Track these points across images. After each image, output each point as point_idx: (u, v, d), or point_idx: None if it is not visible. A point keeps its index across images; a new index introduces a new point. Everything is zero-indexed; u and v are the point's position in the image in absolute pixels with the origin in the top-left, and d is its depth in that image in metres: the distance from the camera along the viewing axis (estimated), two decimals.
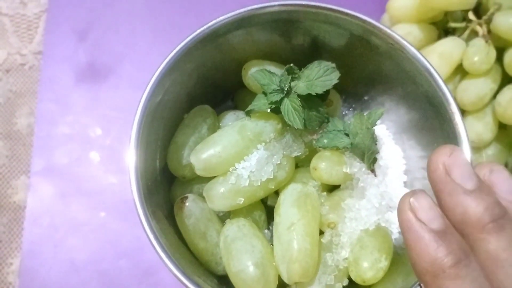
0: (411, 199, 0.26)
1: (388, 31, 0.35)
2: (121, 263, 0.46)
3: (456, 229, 0.25)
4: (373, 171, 0.37)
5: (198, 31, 0.36)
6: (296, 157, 0.37)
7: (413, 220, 0.25)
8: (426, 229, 0.25)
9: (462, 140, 0.33)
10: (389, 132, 0.42)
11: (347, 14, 0.36)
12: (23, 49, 0.55)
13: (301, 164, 0.39)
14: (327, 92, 0.36)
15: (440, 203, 0.26)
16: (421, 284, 0.26)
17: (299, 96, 0.35)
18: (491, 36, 0.44)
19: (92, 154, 0.50)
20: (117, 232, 0.48)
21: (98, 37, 0.55)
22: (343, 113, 0.45)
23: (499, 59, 0.44)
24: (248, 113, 0.38)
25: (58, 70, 0.53)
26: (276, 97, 0.35)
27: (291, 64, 0.36)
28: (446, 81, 0.42)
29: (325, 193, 0.37)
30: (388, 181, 0.38)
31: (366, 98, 0.44)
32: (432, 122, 0.36)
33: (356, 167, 0.36)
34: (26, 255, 0.47)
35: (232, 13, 0.36)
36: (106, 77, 0.53)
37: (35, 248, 0.47)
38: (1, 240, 0.48)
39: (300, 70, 0.36)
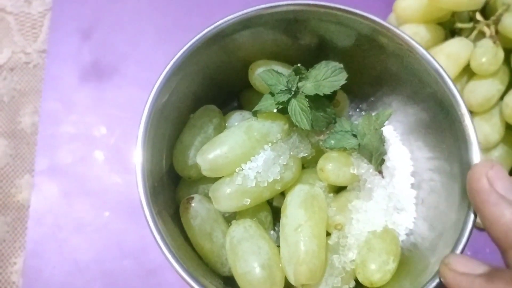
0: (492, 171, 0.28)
1: (397, 31, 0.35)
2: (125, 263, 0.46)
3: (500, 240, 0.27)
4: (380, 172, 0.37)
5: (205, 31, 0.36)
6: (302, 158, 0.37)
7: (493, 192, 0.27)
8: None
9: (471, 142, 0.32)
10: (397, 133, 0.42)
11: (355, 13, 0.36)
12: (28, 47, 0.55)
13: (307, 165, 0.39)
14: (334, 93, 0.36)
15: (483, 213, 0.28)
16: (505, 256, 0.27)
17: (306, 96, 0.35)
18: (499, 37, 0.43)
19: (97, 153, 0.50)
20: (121, 232, 0.47)
21: (102, 36, 0.55)
22: (350, 114, 0.44)
23: (507, 60, 0.44)
24: (255, 114, 0.37)
25: (62, 69, 0.53)
26: (284, 98, 0.35)
27: (299, 64, 0.36)
28: None
29: (331, 194, 0.37)
30: (396, 183, 0.38)
31: (373, 98, 0.43)
32: (440, 123, 0.36)
33: (364, 168, 0.36)
34: (30, 255, 0.47)
35: (239, 13, 0.36)
36: (110, 76, 0.53)
37: (38, 247, 0.47)
38: (5, 239, 0.48)
39: (307, 70, 0.36)
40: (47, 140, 0.51)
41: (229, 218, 0.38)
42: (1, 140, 0.51)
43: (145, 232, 0.44)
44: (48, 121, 0.51)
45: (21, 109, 0.53)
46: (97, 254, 0.47)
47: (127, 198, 0.49)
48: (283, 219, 0.35)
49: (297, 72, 0.35)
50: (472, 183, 0.29)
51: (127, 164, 0.50)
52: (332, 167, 0.35)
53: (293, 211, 0.34)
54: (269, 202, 0.39)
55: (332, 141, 0.36)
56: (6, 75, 0.54)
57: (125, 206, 0.48)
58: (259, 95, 0.38)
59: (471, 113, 0.44)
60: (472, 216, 0.31)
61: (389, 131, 0.42)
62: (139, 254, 0.47)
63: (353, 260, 0.35)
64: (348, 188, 0.38)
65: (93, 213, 0.48)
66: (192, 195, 0.37)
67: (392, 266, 0.34)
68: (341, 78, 0.35)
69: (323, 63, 0.36)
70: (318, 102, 0.36)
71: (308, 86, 0.35)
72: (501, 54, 0.43)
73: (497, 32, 0.44)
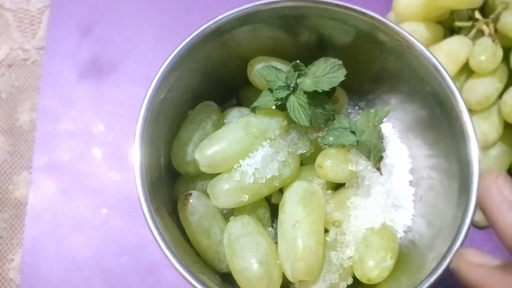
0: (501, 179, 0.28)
1: (396, 27, 0.35)
2: (123, 261, 0.46)
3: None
4: (378, 169, 0.37)
5: (204, 26, 0.36)
6: (301, 154, 0.37)
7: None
8: None
9: (469, 138, 0.32)
10: (395, 130, 0.42)
11: (354, 10, 0.36)
12: (26, 44, 0.55)
13: (306, 161, 0.39)
14: (333, 89, 0.36)
15: (495, 219, 0.28)
16: None
17: (305, 93, 0.35)
18: (498, 35, 0.43)
19: (95, 151, 0.50)
20: (119, 229, 0.47)
21: (101, 33, 0.55)
22: (348, 111, 0.44)
23: (506, 58, 0.44)
24: (253, 110, 0.37)
25: (61, 66, 0.53)
26: (282, 94, 0.35)
27: (297, 61, 0.36)
28: None
29: (330, 191, 0.37)
30: (394, 180, 0.38)
31: (371, 96, 0.43)
32: (439, 120, 0.36)
33: (362, 165, 0.36)
34: (27, 252, 0.46)
35: (238, 9, 0.36)
36: (109, 74, 0.53)
37: (36, 244, 0.47)
38: (2, 236, 0.48)
39: (306, 67, 0.36)
40: (45, 137, 0.50)
41: (227, 214, 0.38)
42: None
43: (144, 229, 0.43)
44: (46, 118, 0.51)
45: (19, 106, 0.52)
46: (95, 251, 0.47)
47: (125, 196, 0.48)
48: (281, 216, 0.35)
49: (296, 68, 0.35)
50: (484, 190, 0.29)
51: (125, 162, 0.50)
52: (331, 163, 0.35)
53: (291, 207, 0.34)
54: (267, 199, 0.39)
55: (331, 138, 0.36)
56: (4, 72, 0.53)
57: (123, 204, 0.48)
58: (258, 91, 0.38)
59: (470, 111, 0.44)
60: (470, 214, 0.31)
61: (387, 128, 0.42)
62: (138, 251, 0.47)
63: (351, 257, 0.35)
64: (346, 185, 0.38)
65: (91, 211, 0.48)
66: (190, 192, 0.37)
67: (390, 262, 0.34)
68: (340, 74, 0.35)
69: (322, 59, 0.36)
70: (317, 98, 0.36)
71: (307, 83, 0.35)
72: (500, 53, 0.43)
73: (496, 30, 0.44)
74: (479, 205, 0.30)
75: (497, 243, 0.46)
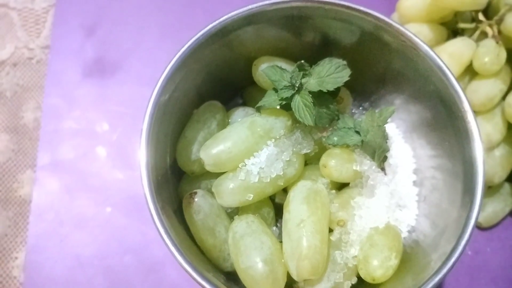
0: None
1: (401, 28, 0.35)
2: (126, 259, 0.46)
3: None
4: (383, 169, 0.37)
5: (209, 27, 0.36)
6: (305, 154, 0.37)
7: None
8: None
9: (474, 139, 0.33)
10: (399, 130, 0.42)
11: (358, 10, 0.36)
12: (31, 43, 0.55)
13: (310, 161, 0.39)
14: (337, 89, 0.36)
15: None
16: None
17: (310, 92, 0.35)
18: (502, 37, 0.44)
19: (99, 149, 0.50)
20: (123, 228, 0.47)
21: (105, 32, 0.55)
22: (352, 111, 0.44)
23: (509, 60, 0.44)
24: (258, 109, 0.38)
25: (65, 65, 0.53)
26: (287, 94, 0.35)
27: (302, 61, 0.36)
28: None
29: (334, 191, 0.37)
30: (398, 180, 0.38)
31: (375, 96, 0.43)
32: (443, 121, 0.36)
33: (366, 165, 0.36)
34: (31, 250, 0.47)
35: (243, 9, 0.36)
36: (113, 73, 0.53)
37: (40, 242, 0.47)
38: (6, 234, 0.48)
39: (310, 67, 0.36)
40: (49, 135, 0.51)
41: (232, 214, 0.38)
42: (4, 135, 0.51)
43: (147, 228, 0.44)
44: (50, 117, 0.51)
45: (23, 105, 0.53)
46: (99, 250, 0.47)
47: (129, 194, 0.49)
48: (286, 215, 0.35)
49: (300, 68, 0.36)
50: None
51: (129, 160, 0.50)
52: (335, 163, 0.36)
53: (296, 206, 0.34)
54: (271, 198, 0.39)
55: (335, 138, 0.36)
56: (9, 70, 0.54)
57: (127, 202, 0.48)
58: (263, 91, 0.38)
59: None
60: (474, 214, 0.31)
61: (391, 129, 0.42)
62: (141, 250, 0.47)
63: (355, 256, 0.35)
64: (350, 184, 0.38)
65: (95, 209, 0.48)
66: (195, 190, 0.37)
67: (394, 262, 0.34)
68: (345, 74, 0.35)
69: (327, 59, 0.36)
70: (322, 98, 0.36)
71: (312, 82, 0.35)
72: (503, 54, 0.43)
73: (499, 32, 0.44)
74: None
75: (500, 244, 0.46)
